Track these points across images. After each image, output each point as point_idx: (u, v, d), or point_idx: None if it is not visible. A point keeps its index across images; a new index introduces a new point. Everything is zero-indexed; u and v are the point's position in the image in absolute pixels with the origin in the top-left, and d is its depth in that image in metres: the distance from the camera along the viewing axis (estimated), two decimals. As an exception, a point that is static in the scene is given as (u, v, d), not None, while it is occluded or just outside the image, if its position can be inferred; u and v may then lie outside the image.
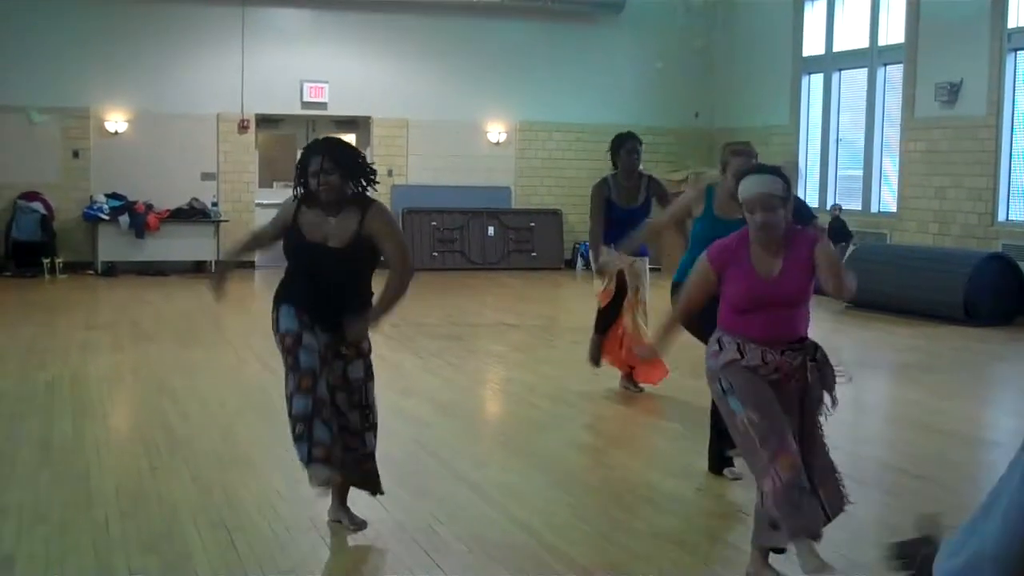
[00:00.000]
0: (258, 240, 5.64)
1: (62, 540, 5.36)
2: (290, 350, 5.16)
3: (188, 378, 9.47)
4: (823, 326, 13.88)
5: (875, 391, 10.51)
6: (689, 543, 5.57)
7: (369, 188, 5.32)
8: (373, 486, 5.62)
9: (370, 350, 5.41)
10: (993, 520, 3.51)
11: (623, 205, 8.78)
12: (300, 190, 5.30)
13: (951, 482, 6.95)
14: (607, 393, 8.78)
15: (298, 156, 5.37)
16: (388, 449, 7.31)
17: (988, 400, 10.25)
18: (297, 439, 5.11)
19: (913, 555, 4.15)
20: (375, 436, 5.51)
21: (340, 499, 5.58)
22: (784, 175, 4.87)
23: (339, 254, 5.16)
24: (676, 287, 6.21)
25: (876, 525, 6.08)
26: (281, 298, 5.32)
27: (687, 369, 8.63)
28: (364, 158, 5.38)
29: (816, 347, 4.87)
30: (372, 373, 5.44)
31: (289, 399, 5.16)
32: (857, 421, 9.21)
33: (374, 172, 5.36)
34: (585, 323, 13.13)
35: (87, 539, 5.38)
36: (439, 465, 6.95)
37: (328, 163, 5.17)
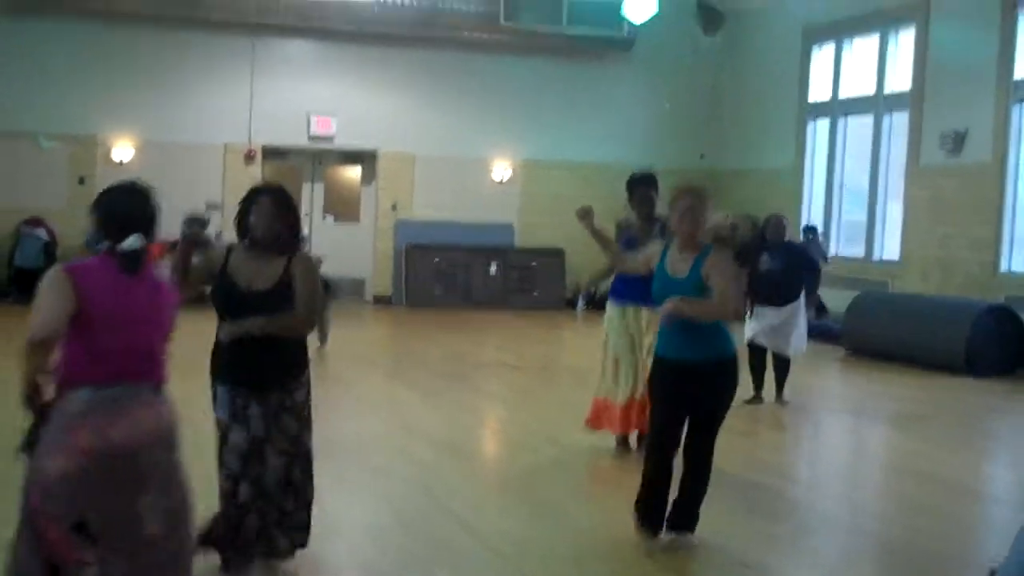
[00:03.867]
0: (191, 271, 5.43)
1: None
2: (222, 437, 5.25)
3: (194, 412, 9.42)
4: (823, 373, 13.90)
5: (874, 440, 10.50)
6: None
7: (297, 241, 5.35)
8: (300, 539, 5.48)
9: (303, 402, 5.33)
10: None
11: (638, 242, 8.42)
12: (239, 233, 5.32)
13: (949, 534, 6.91)
14: (607, 440, 8.73)
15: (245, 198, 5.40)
16: (388, 487, 7.34)
17: (987, 453, 10.19)
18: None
19: None
20: (313, 486, 5.42)
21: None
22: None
23: (264, 297, 5.15)
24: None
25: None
26: (214, 373, 5.33)
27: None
28: (299, 215, 5.45)
29: None
30: (309, 420, 5.38)
31: (220, 486, 5.24)
32: (855, 470, 9.20)
33: (301, 229, 5.42)
34: (585, 365, 13.11)
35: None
36: (438, 508, 6.91)
37: (271, 206, 5.24)
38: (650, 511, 6.00)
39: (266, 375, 5.20)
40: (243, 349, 5.17)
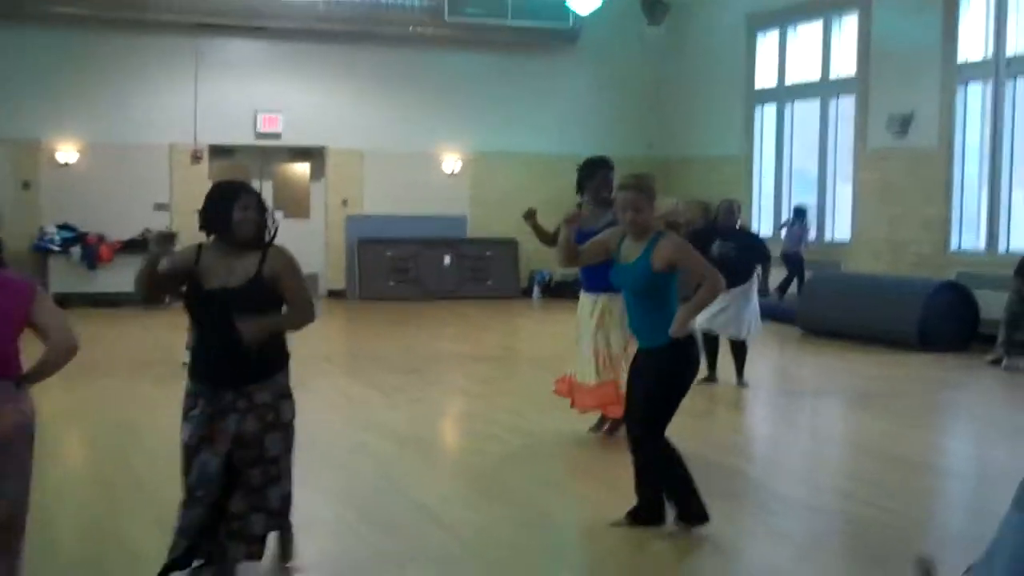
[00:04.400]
0: (160, 281, 5.27)
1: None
2: (184, 452, 5.11)
3: (147, 414, 9.34)
4: (780, 353, 14.00)
5: (832, 418, 10.59)
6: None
7: (271, 239, 5.21)
8: (283, 552, 5.43)
9: (269, 404, 5.13)
10: None
11: (589, 228, 8.45)
12: (212, 229, 5.18)
13: (910, 511, 6.96)
14: (571, 425, 8.73)
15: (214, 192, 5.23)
16: (353, 485, 7.27)
17: (943, 427, 10.33)
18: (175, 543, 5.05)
19: None
20: (282, 492, 5.22)
21: None
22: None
23: (238, 294, 5.02)
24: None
25: (840, 555, 6.09)
26: (189, 369, 5.25)
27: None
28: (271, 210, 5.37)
29: None
30: (278, 423, 5.17)
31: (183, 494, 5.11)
32: (815, 449, 9.26)
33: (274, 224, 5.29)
34: (544, 353, 13.19)
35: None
36: (405, 502, 6.87)
37: (256, 202, 5.16)
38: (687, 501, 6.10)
39: (221, 372, 5.08)
40: (208, 345, 5.11)
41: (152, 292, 5.19)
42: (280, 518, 5.26)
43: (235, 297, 5.01)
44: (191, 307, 5.17)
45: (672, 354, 5.91)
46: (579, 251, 6.33)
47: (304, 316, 5.22)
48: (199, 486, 5.01)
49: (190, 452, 5.07)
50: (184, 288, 5.17)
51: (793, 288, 16.91)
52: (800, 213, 17.35)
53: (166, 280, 5.19)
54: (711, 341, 10.91)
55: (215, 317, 5.04)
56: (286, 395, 5.22)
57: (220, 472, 5.02)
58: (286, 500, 5.25)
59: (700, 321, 10.66)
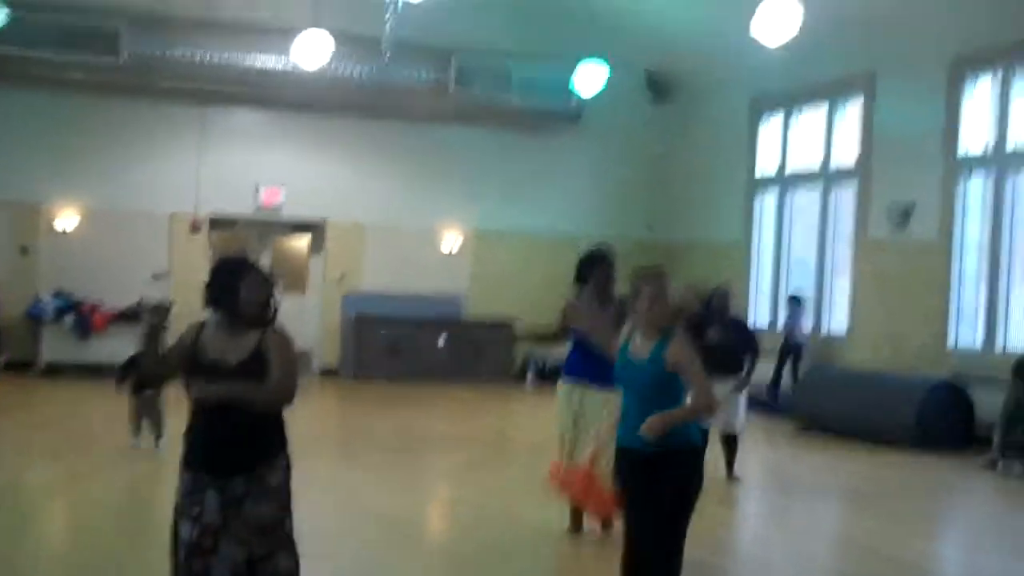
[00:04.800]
0: (168, 362, 5.30)
1: None
2: (173, 526, 4.99)
3: (131, 492, 9.20)
4: (772, 447, 13.85)
5: (825, 517, 10.44)
6: None
7: (274, 317, 5.15)
8: None
9: (282, 485, 5.05)
10: None
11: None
12: (217, 305, 5.10)
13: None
14: (562, 519, 8.56)
15: (217, 270, 5.17)
16: (336, 572, 7.10)
17: (936, 531, 10.17)
18: None
19: None
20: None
21: None
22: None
23: (235, 369, 4.94)
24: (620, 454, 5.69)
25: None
26: (183, 460, 5.08)
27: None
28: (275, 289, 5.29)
29: None
30: (289, 505, 5.10)
31: None
32: (804, 549, 9.10)
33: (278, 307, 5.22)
34: (536, 439, 13.02)
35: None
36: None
37: (262, 280, 5.11)
38: None
39: (229, 458, 4.94)
40: (209, 429, 4.97)
41: (160, 375, 5.11)
42: None
43: (232, 373, 4.92)
44: (191, 385, 5.04)
45: (688, 459, 5.52)
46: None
47: (280, 393, 5.00)
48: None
49: (198, 551, 4.87)
50: (185, 367, 5.08)
51: (786, 378, 16.77)
52: (796, 301, 17.23)
53: (173, 360, 5.15)
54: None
55: (205, 398, 4.94)
56: (289, 474, 5.13)
57: (242, 566, 4.91)
58: None
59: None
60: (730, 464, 10.86)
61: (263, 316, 5.07)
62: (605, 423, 7.82)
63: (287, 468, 5.10)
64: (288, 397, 5.05)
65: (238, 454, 4.94)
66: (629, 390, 5.61)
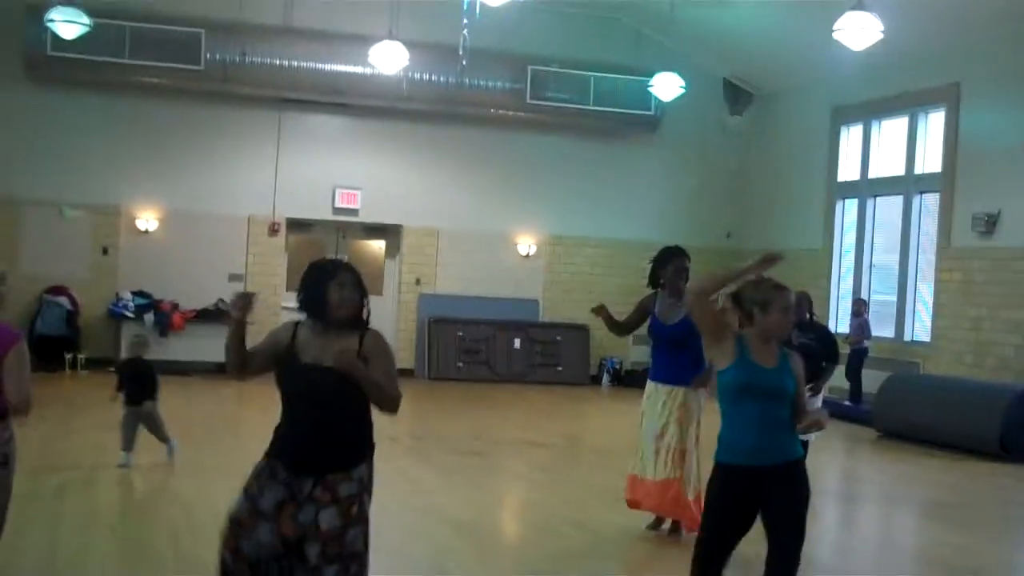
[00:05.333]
0: (252, 355, 5.09)
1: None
2: (230, 526, 4.82)
3: (200, 484, 9.23)
4: (852, 455, 13.59)
5: (905, 528, 10.21)
6: None
7: (367, 321, 5.03)
8: None
9: (353, 496, 4.86)
10: None
11: (665, 321, 8.23)
12: (308, 311, 4.99)
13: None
14: (633, 523, 8.46)
15: (313, 270, 5.05)
16: (406, 572, 7.04)
17: (1020, 543, 9.88)
18: None
19: None
20: None
21: None
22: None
23: (334, 373, 4.77)
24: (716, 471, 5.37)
25: None
26: (272, 450, 4.96)
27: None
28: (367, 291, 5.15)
29: None
30: (359, 517, 4.89)
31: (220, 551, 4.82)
32: (884, 558, 8.89)
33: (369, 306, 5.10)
34: (610, 443, 12.91)
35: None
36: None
37: (354, 281, 4.99)
38: None
39: (306, 458, 4.82)
40: (295, 425, 4.88)
41: (241, 363, 5.00)
42: None
43: (332, 376, 4.77)
44: (283, 382, 4.96)
45: (804, 468, 5.38)
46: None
47: (391, 396, 4.90)
48: (255, 556, 4.76)
49: (235, 527, 4.78)
50: (278, 364, 4.97)
51: (871, 388, 16.46)
52: (862, 303, 16.94)
53: (261, 356, 5.03)
54: None
55: (307, 395, 4.86)
56: (367, 488, 4.96)
57: (276, 549, 4.76)
58: None
59: None
60: None
61: (356, 320, 4.97)
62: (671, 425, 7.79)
63: (362, 481, 4.92)
64: (394, 403, 4.93)
65: (317, 454, 4.83)
66: (756, 398, 5.25)
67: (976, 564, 8.39)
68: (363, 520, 4.91)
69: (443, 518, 8.76)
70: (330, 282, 4.94)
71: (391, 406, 4.92)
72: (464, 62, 15.13)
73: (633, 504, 8.28)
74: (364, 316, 5.00)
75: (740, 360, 5.25)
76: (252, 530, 4.77)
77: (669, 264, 8.29)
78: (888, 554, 9.16)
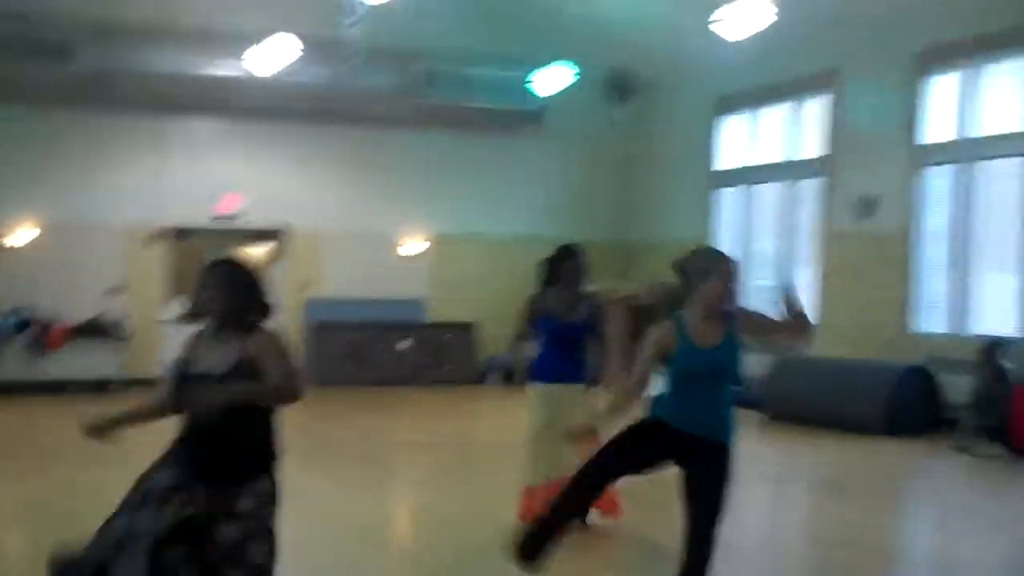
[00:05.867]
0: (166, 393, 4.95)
1: None
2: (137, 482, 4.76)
3: (98, 503, 8.94)
4: (744, 438, 13.75)
5: (797, 505, 10.38)
6: None
7: (263, 318, 4.89)
8: None
9: (251, 511, 4.74)
10: None
11: (564, 318, 8.17)
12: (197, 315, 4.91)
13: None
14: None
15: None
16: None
17: (908, 514, 10.15)
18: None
19: None
20: None
21: None
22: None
23: (220, 380, 4.67)
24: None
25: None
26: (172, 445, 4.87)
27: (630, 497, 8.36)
28: (261, 287, 4.97)
29: None
30: (261, 530, 4.78)
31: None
32: (779, 535, 9.02)
33: (269, 305, 4.94)
34: (504, 440, 12.88)
35: None
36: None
37: (219, 280, 4.84)
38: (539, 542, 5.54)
39: (201, 467, 4.70)
40: (191, 438, 4.75)
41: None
42: None
43: (216, 383, 4.66)
44: (177, 392, 4.84)
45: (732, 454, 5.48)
46: (641, 383, 5.54)
47: (285, 386, 4.73)
48: (123, 534, 4.63)
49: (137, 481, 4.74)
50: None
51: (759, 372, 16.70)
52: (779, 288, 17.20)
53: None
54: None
55: (193, 409, 4.73)
56: (272, 500, 4.81)
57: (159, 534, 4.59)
58: None
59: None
60: None
61: (231, 319, 4.81)
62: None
63: (264, 493, 4.78)
64: (290, 394, 4.76)
65: (210, 467, 4.70)
66: (701, 381, 5.39)
67: (868, 536, 8.56)
68: (267, 532, 4.78)
69: (348, 526, 8.62)
70: (200, 283, 4.83)
71: (286, 394, 4.77)
72: (351, 60, 14.95)
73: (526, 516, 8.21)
74: (242, 315, 4.82)
75: (683, 347, 5.31)
76: (135, 504, 4.67)
77: (565, 264, 8.21)
78: (782, 530, 9.33)
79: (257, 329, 4.83)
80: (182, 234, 19.03)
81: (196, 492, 4.67)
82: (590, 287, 8.35)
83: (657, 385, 9.36)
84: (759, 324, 5.48)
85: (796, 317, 5.40)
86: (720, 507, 5.39)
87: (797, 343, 5.52)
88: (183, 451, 4.77)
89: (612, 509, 8.24)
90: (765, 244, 18.10)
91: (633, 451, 5.38)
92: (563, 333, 8.14)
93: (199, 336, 4.90)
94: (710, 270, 5.34)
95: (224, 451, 4.70)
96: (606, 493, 7.86)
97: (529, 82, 16.97)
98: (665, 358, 5.35)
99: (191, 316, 4.91)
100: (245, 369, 4.70)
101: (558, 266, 8.19)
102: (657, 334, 5.38)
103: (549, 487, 7.93)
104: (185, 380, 4.79)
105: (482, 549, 7.97)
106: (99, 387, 17.28)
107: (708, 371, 5.33)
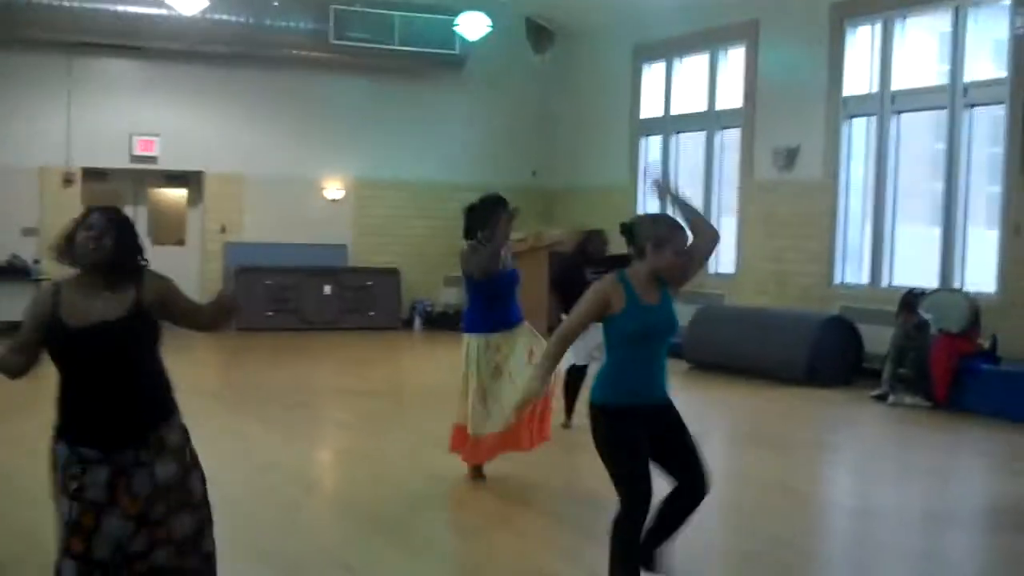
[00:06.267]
0: (23, 350, 4.55)
1: None
2: (69, 530, 4.41)
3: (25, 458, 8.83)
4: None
5: (719, 453, 10.49)
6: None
7: (142, 262, 4.62)
8: None
9: (182, 444, 4.60)
10: None
11: (505, 268, 8.22)
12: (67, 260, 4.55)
13: (793, 540, 7.04)
14: (464, 467, 8.44)
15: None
16: (256, 536, 6.85)
17: (829, 461, 10.34)
18: None
19: None
20: (210, 534, 4.72)
21: None
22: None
23: (116, 328, 4.40)
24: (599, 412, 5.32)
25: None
26: (58, 431, 4.53)
27: (561, 445, 8.45)
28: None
29: None
30: (194, 462, 4.65)
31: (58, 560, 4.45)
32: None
33: (144, 251, 4.68)
34: (431, 384, 12.92)
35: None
36: (319, 554, 6.53)
37: (105, 224, 4.51)
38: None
39: (119, 428, 4.43)
40: (89, 398, 4.42)
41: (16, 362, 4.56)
42: (211, 562, 4.72)
43: (114, 333, 4.39)
44: (57, 356, 4.48)
45: None
46: (576, 333, 5.43)
47: (217, 308, 4.88)
48: (112, 550, 4.41)
49: (79, 530, 4.37)
50: (46, 338, 4.47)
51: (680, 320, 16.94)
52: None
53: (32, 343, 4.51)
54: (577, 379, 10.30)
55: (90, 362, 4.41)
56: (187, 433, 4.66)
57: (129, 530, 4.42)
58: (213, 548, 4.73)
59: (579, 356, 9.99)
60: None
61: (115, 266, 4.49)
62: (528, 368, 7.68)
63: (184, 429, 4.64)
64: (227, 312, 4.95)
65: (130, 422, 4.46)
66: (651, 340, 5.29)
67: (791, 482, 8.83)
68: (198, 466, 4.68)
69: (283, 473, 8.62)
70: (78, 227, 4.50)
71: (225, 320, 4.97)
72: (271, 1, 14.71)
73: (475, 462, 8.29)
74: (129, 262, 4.55)
75: (631, 306, 5.20)
76: (97, 528, 4.40)
77: (502, 212, 8.13)
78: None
79: (144, 274, 4.60)
80: (98, 175, 18.68)
81: (123, 455, 4.44)
82: (516, 235, 8.40)
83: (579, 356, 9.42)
84: (680, 264, 5.30)
85: (695, 219, 5.52)
86: (697, 448, 5.49)
87: (713, 248, 5.48)
88: (86, 423, 4.47)
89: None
90: (688, 193, 18.16)
91: (641, 454, 5.30)
92: (495, 286, 8.16)
93: (66, 288, 4.54)
94: (667, 240, 5.24)
95: (132, 402, 4.46)
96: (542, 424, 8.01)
97: (455, 25, 16.83)
98: (603, 317, 5.25)
99: (67, 262, 4.54)
100: (143, 314, 4.49)
101: (487, 217, 8.11)
102: (603, 288, 5.25)
103: (497, 438, 8.01)
104: (65, 336, 4.45)
105: (416, 494, 8.03)
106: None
107: (658, 329, 5.27)
